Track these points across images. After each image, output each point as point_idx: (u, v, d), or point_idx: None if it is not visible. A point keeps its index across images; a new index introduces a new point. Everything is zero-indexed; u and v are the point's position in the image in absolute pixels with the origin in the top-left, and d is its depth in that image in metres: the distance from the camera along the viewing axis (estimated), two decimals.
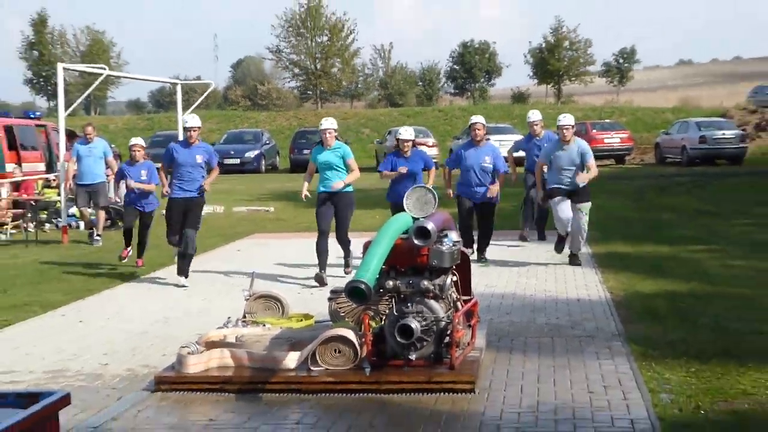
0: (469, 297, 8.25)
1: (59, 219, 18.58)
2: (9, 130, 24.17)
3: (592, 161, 13.25)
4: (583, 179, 12.97)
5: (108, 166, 18.43)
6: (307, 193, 12.83)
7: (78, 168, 17.81)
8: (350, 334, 7.53)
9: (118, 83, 77.28)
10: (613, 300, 10.74)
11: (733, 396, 6.85)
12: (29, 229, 18.79)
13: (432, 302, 7.42)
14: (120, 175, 14.90)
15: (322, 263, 12.40)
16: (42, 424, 3.22)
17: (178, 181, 12.60)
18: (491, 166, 13.73)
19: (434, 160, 14.56)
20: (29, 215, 19.32)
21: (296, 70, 74.11)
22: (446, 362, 7.35)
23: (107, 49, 78.91)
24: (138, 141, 14.91)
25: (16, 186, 22.34)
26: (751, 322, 9.26)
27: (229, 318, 9.08)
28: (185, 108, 25.77)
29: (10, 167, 23.51)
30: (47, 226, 20.24)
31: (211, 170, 12.81)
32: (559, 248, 13.68)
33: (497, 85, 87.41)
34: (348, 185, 12.67)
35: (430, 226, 7.34)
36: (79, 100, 26.01)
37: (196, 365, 7.56)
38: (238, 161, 41.24)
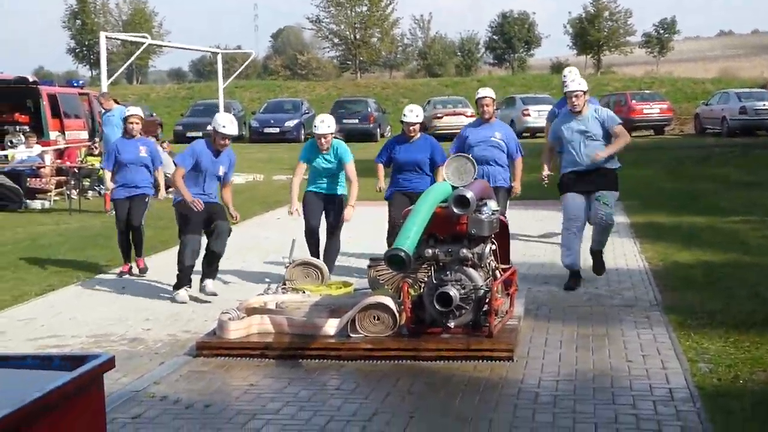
0: (507, 266, 8.23)
1: (102, 186, 18.67)
2: (53, 99, 24.30)
3: (619, 127, 9.87)
4: (601, 155, 9.64)
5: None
6: (298, 209, 10.58)
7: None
8: (389, 302, 7.54)
9: (160, 52, 77.52)
10: (652, 270, 10.67)
11: None
12: (72, 197, 18.92)
13: (471, 270, 7.41)
14: (111, 155, 11.39)
15: (313, 252, 10.50)
16: (87, 387, 3.24)
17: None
18: (502, 142, 11.12)
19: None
20: (72, 182, 19.45)
21: (336, 40, 73.97)
22: (484, 330, 7.34)
23: (149, 18, 79.08)
24: (137, 111, 11.70)
25: (60, 153, 22.50)
26: None
27: (269, 285, 9.12)
28: (226, 77, 25.84)
29: (53, 135, 23.66)
30: (90, 193, 20.37)
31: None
32: (570, 285, 9.84)
33: (536, 55, 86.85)
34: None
35: (469, 194, 7.31)
36: (122, 69, 26.15)
37: (236, 331, 7.60)
38: (278, 130, 41.30)
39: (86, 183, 20.57)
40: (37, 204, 19.14)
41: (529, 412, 5.93)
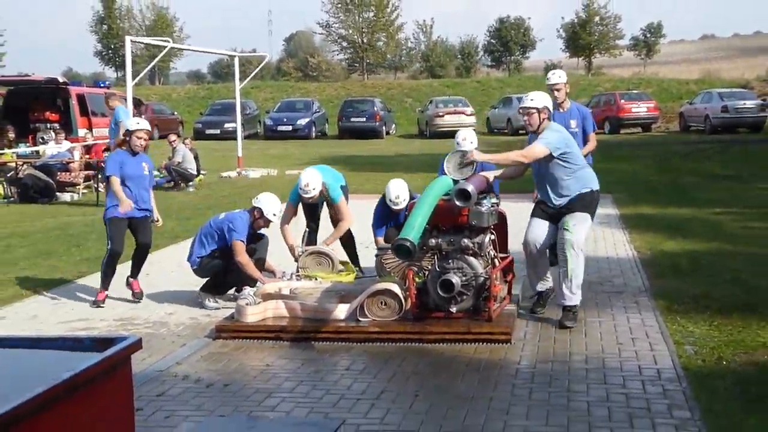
0: (505, 254, 8.23)
1: None
2: (81, 98, 24.31)
3: (536, 143, 7.62)
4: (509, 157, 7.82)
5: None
6: (300, 252, 9.38)
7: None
8: (396, 288, 7.56)
9: (180, 55, 77.24)
10: (640, 258, 10.66)
11: (754, 348, 6.78)
12: (99, 189, 18.94)
13: (471, 259, 7.42)
14: (116, 165, 9.09)
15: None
16: (117, 366, 3.25)
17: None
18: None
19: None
20: (99, 176, 19.45)
21: (344, 44, 73.72)
22: (484, 314, 7.35)
23: (170, 23, 78.89)
24: (145, 126, 9.35)
25: (88, 149, 22.52)
26: None
27: (284, 272, 9.12)
28: (242, 78, 25.81)
29: (82, 132, 23.67)
30: None
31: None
32: (537, 307, 8.14)
33: (531, 57, 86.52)
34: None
35: (470, 188, 7.30)
36: (145, 71, 26.08)
37: (253, 315, 7.62)
38: (290, 128, 41.32)
39: None
40: (66, 196, 19.18)
41: (526, 391, 5.94)
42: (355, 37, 71.75)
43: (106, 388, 3.19)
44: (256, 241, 9.03)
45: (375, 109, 42.05)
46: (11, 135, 23.57)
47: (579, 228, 7.59)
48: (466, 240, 7.41)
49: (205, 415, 5.59)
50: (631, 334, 7.29)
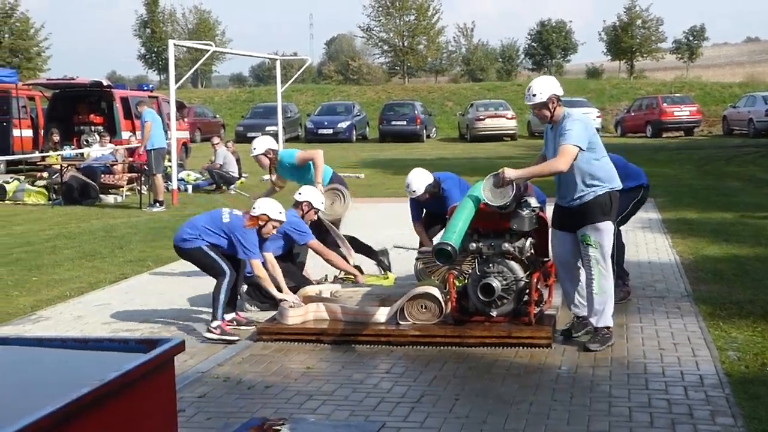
0: (546, 259, 8.19)
1: (170, 182, 18.83)
2: (125, 101, 24.57)
3: (565, 145, 6.84)
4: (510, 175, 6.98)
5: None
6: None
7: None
8: (436, 292, 7.55)
9: (223, 59, 77.85)
10: (682, 263, 10.57)
11: None
12: (143, 192, 19.10)
13: (512, 263, 7.39)
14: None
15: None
16: (160, 368, 3.27)
17: None
18: None
19: None
20: (143, 179, 19.63)
21: (385, 47, 73.83)
22: (525, 319, 7.31)
23: (213, 27, 79.46)
24: (282, 216, 8.11)
25: (131, 152, 22.72)
26: None
27: (326, 275, 9.14)
28: (283, 82, 25.94)
29: (125, 135, 23.92)
30: None
31: None
32: (573, 331, 7.42)
33: (572, 61, 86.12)
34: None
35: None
36: (188, 74, 26.33)
37: (294, 317, 7.65)
38: (331, 131, 41.47)
39: None
40: (110, 198, 19.36)
41: (567, 395, 5.91)
42: (396, 40, 71.85)
43: (150, 389, 3.22)
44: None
45: (416, 112, 42.06)
46: (56, 138, 23.90)
47: (603, 241, 7.05)
48: (506, 244, 7.39)
49: (246, 417, 5.62)
50: (673, 340, 7.23)
